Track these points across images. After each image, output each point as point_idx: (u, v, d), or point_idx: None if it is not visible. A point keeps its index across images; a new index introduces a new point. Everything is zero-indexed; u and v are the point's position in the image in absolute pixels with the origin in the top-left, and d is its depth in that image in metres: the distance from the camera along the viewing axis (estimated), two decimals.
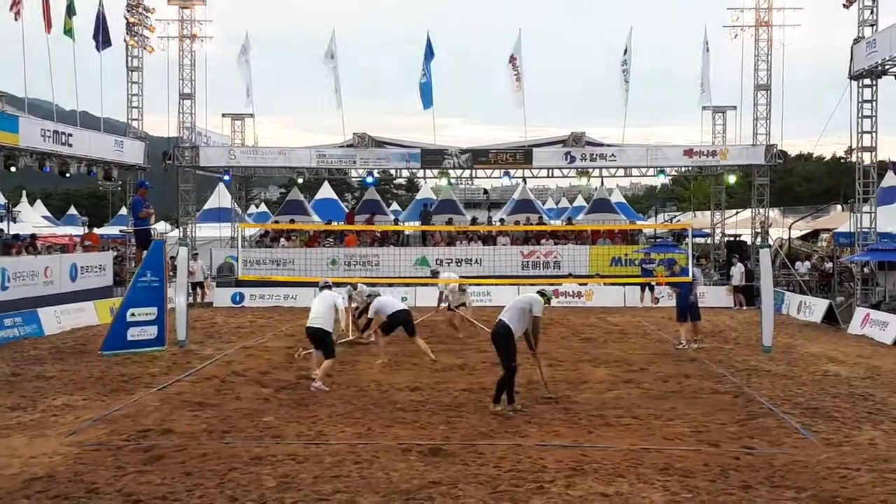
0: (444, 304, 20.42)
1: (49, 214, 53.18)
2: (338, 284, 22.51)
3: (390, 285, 25.81)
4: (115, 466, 9.22)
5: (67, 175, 26.18)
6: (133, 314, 18.13)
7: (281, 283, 28.25)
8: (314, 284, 27.49)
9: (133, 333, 18.03)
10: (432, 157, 30.71)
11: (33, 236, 28.62)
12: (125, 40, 29.72)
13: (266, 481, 8.69)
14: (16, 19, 23.39)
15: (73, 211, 57.06)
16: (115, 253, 32.10)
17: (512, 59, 30.75)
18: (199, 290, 29.43)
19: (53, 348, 18.68)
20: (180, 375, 15.12)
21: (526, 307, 12.13)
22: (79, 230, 40.51)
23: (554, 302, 28.61)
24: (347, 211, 37.17)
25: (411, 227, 34.35)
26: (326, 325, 13.66)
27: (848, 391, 13.73)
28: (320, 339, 13.71)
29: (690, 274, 18.82)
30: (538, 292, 12.46)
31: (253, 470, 9.06)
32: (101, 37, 27.16)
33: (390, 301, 16.80)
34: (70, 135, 25.25)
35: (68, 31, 25.35)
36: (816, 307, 24.71)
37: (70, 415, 11.87)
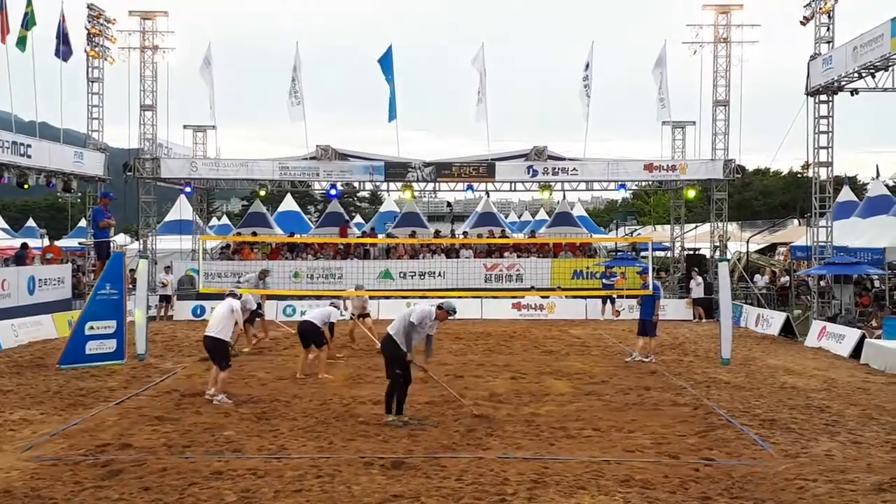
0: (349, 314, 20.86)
1: (6, 226, 52.34)
2: (301, 298, 22.61)
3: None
4: (72, 482, 9.10)
5: (26, 186, 25.80)
6: (92, 327, 17.94)
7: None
8: (277, 298, 27.61)
9: (91, 347, 17.84)
10: (396, 170, 30.69)
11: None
12: (86, 51, 29.40)
13: (226, 496, 8.63)
14: None
15: (31, 223, 56.19)
16: (74, 265, 31.65)
17: (475, 73, 30.93)
18: (165, 304, 29.07)
19: (10, 362, 18.37)
20: (139, 389, 14.98)
21: (406, 316, 11.97)
22: (37, 242, 39.90)
23: (517, 315, 29.15)
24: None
25: (379, 239, 34.29)
26: (221, 334, 13.63)
27: (805, 403, 13.93)
28: (211, 349, 13.67)
29: (651, 287, 18.94)
30: (438, 305, 12.21)
31: (213, 485, 9.00)
32: (64, 46, 26.84)
33: (310, 312, 17.01)
34: (29, 146, 24.91)
35: (20, 43, 24.91)
36: (774, 320, 25.02)
37: (27, 429, 11.70)
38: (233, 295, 14.55)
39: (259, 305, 20.99)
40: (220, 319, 13.74)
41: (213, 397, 13.56)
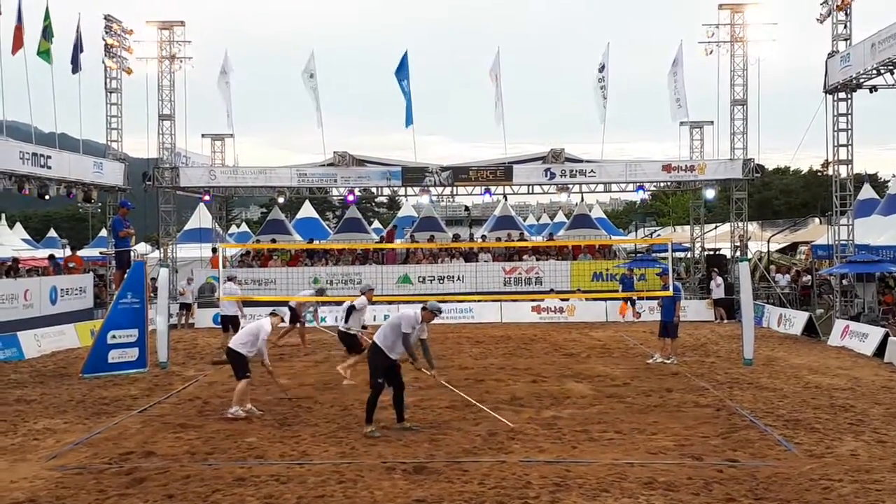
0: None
1: (29, 237, 52.81)
2: (325, 304, 22.75)
3: (373, 303, 25.68)
4: (97, 490, 9.15)
5: (47, 197, 25.97)
6: (114, 336, 18.02)
7: (263, 303, 28.04)
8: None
9: (114, 356, 17.93)
10: (413, 175, 30.75)
11: (15, 259, 28.38)
12: (104, 62, 29.63)
13: (250, 502, 8.65)
14: None
15: (52, 233, 56.67)
16: (96, 275, 31.86)
17: (491, 77, 30.94)
18: (185, 312, 29.20)
19: (34, 371, 18.53)
20: (162, 397, 15.05)
21: (396, 324, 11.74)
22: (59, 253, 40.21)
23: (537, 318, 29.09)
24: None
25: (399, 244, 34.34)
26: (239, 347, 13.25)
27: (829, 402, 13.82)
28: (229, 360, 13.56)
29: (672, 288, 18.85)
30: (422, 307, 12.03)
31: (236, 491, 9.02)
32: (76, 60, 27.06)
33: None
34: (49, 157, 25.12)
35: (43, 53, 25.14)
36: (796, 320, 24.87)
37: (51, 438, 11.77)
38: (273, 314, 14.08)
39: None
40: (244, 334, 13.59)
41: (230, 410, 13.23)
